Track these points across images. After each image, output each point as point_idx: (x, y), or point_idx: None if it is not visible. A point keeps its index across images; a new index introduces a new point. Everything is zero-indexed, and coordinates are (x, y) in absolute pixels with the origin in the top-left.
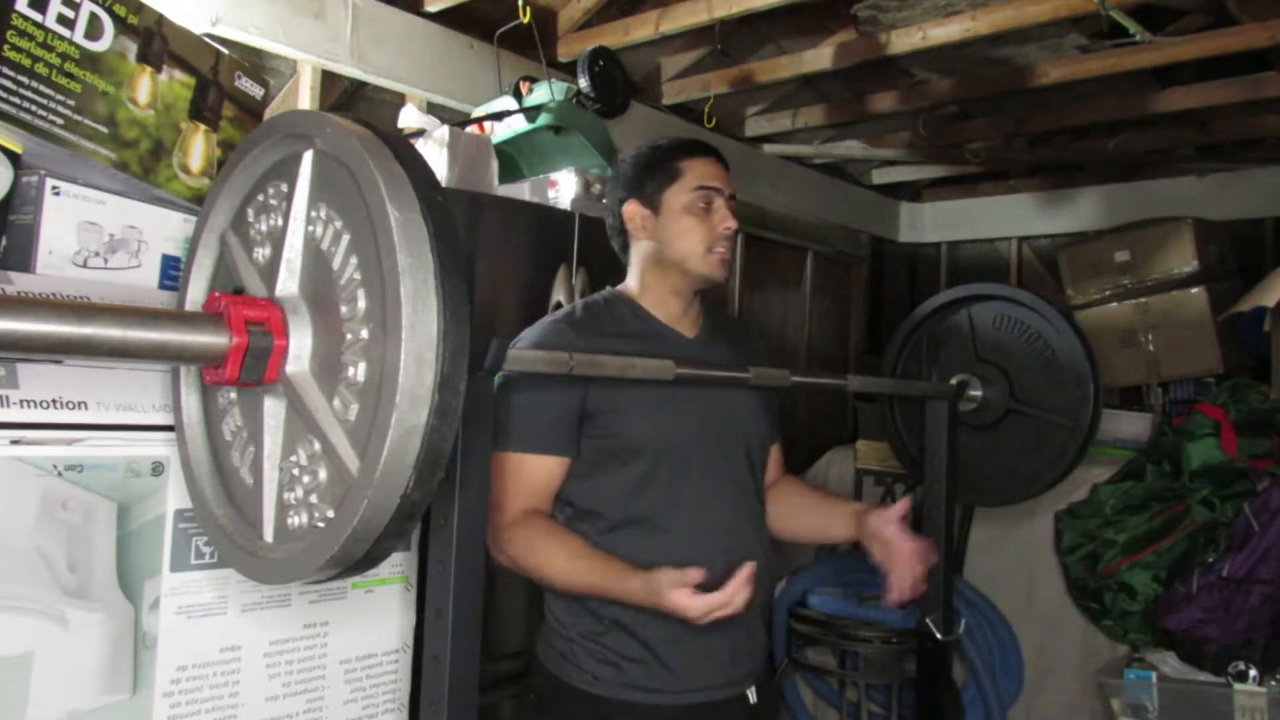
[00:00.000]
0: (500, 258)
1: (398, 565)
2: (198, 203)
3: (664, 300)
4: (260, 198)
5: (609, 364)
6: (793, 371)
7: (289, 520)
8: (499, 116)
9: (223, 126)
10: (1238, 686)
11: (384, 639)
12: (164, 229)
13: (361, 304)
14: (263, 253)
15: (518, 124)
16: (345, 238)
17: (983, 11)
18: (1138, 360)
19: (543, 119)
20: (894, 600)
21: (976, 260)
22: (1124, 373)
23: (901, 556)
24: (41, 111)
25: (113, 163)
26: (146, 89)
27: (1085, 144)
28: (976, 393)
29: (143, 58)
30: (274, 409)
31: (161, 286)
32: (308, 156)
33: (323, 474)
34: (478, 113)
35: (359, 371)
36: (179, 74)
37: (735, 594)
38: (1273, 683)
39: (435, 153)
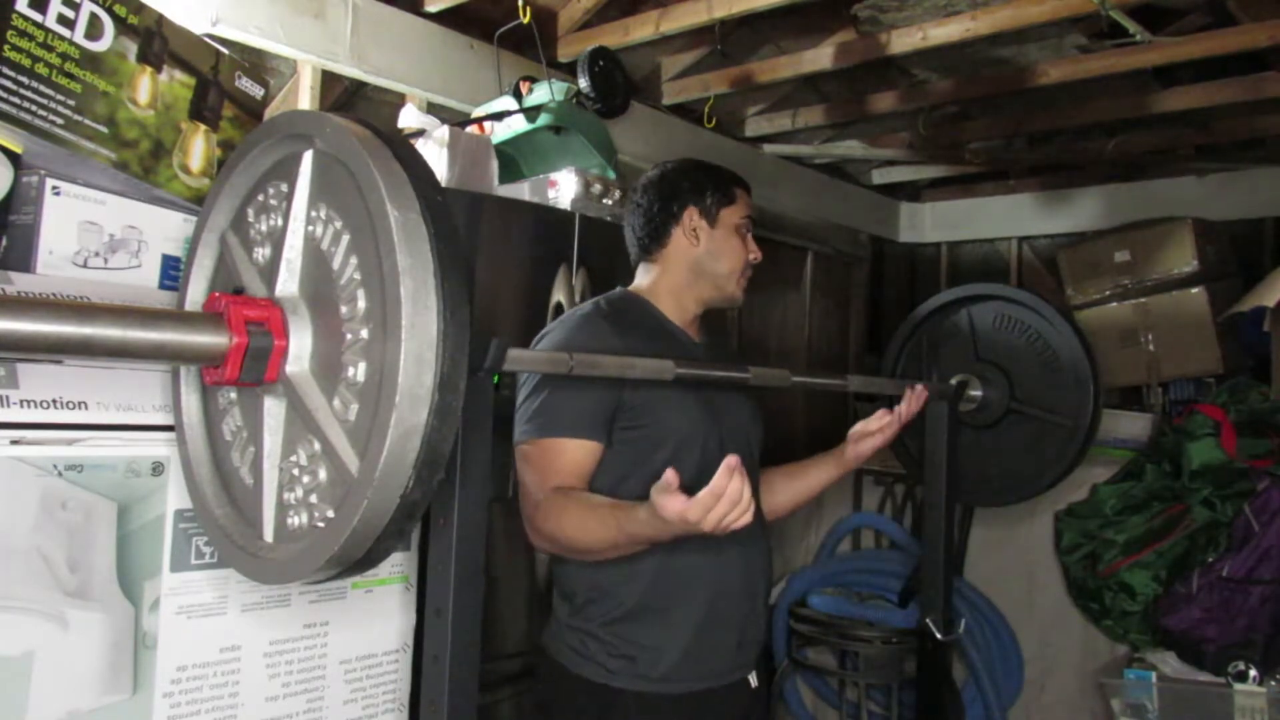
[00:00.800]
0: (500, 258)
1: (398, 565)
2: (198, 203)
3: (684, 305)
4: (260, 198)
5: (608, 364)
6: (793, 371)
7: (289, 520)
8: (499, 116)
9: (223, 126)
10: (1238, 686)
11: (384, 639)
12: (164, 229)
13: (361, 304)
14: (263, 253)
15: (518, 124)
16: (345, 238)
17: (983, 11)
18: (1138, 360)
19: (543, 119)
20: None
21: (976, 260)
22: (1124, 373)
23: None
24: (42, 111)
25: (113, 163)
26: (146, 89)
27: (1085, 144)
28: (976, 393)
29: (143, 58)
30: (274, 409)
31: (161, 286)
32: (308, 156)
33: (323, 474)
34: (478, 113)
35: (359, 371)
36: (179, 74)
37: (731, 482)
38: (1273, 683)
39: (435, 153)
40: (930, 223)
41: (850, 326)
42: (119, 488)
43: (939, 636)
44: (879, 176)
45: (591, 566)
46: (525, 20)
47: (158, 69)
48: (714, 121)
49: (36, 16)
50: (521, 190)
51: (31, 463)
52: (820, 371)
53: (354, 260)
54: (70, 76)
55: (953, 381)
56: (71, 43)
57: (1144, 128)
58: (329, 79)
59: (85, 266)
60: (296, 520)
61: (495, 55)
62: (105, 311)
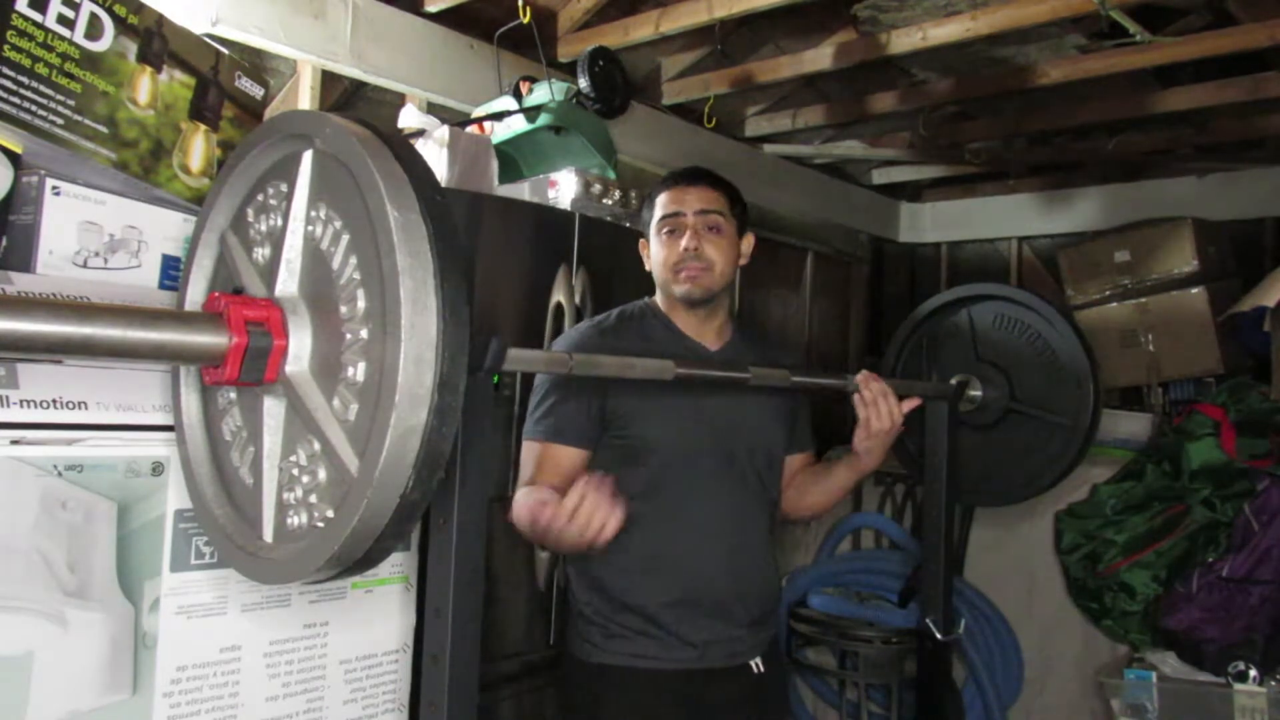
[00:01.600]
0: (500, 258)
1: (398, 565)
2: (198, 203)
3: (681, 316)
4: (260, 198)
5: (608, 364)
6: (793, 372)
7: (289, 520)
8: (499, 116)
9: (223, 126)
10: (1238, 686)
11: (384, 639)
12: (164, 229)
13: (361, 304)
14: (262, 253)
15: (518, 124)
16: (345, 238)
17: (983, 11)
18: (1138, 360)
19: (543, 119)
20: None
21: (976, 260)
22: (1124, 373)
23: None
24: (41, 111)
25: (113, 163)
26: (146, 89)
27: (1085, 144)
28: (976, 393)
29: (143, 58)
30: (274, 409)
31: (161, 286)
32: (307, 157)
33: (322, 474)
34: (478, 113)
35: (358, 371)
36: (179, 74)
37: (579, 504)
38: (1273, 683)
39: (435, 153)
40: (930, 223)
41: (850, 326)
42: (119, 488)
43: (939, 636)
44: (879, 176)
45: (585, 561)
46: (525, 20)
47: (158, 69)
48: (714, 121)
49: (36, 16)
50: (521, 190)
51: (31, 463)
52: (820, 371)
53: (354, 260)
54: (70, 76)
55: (953, 381)
56: (71, 43)
57: (1144, 128)
58: (329, 79)
59: (85, 266)
60: (296, 520)
61: (495, 55)
62: (105, 311)
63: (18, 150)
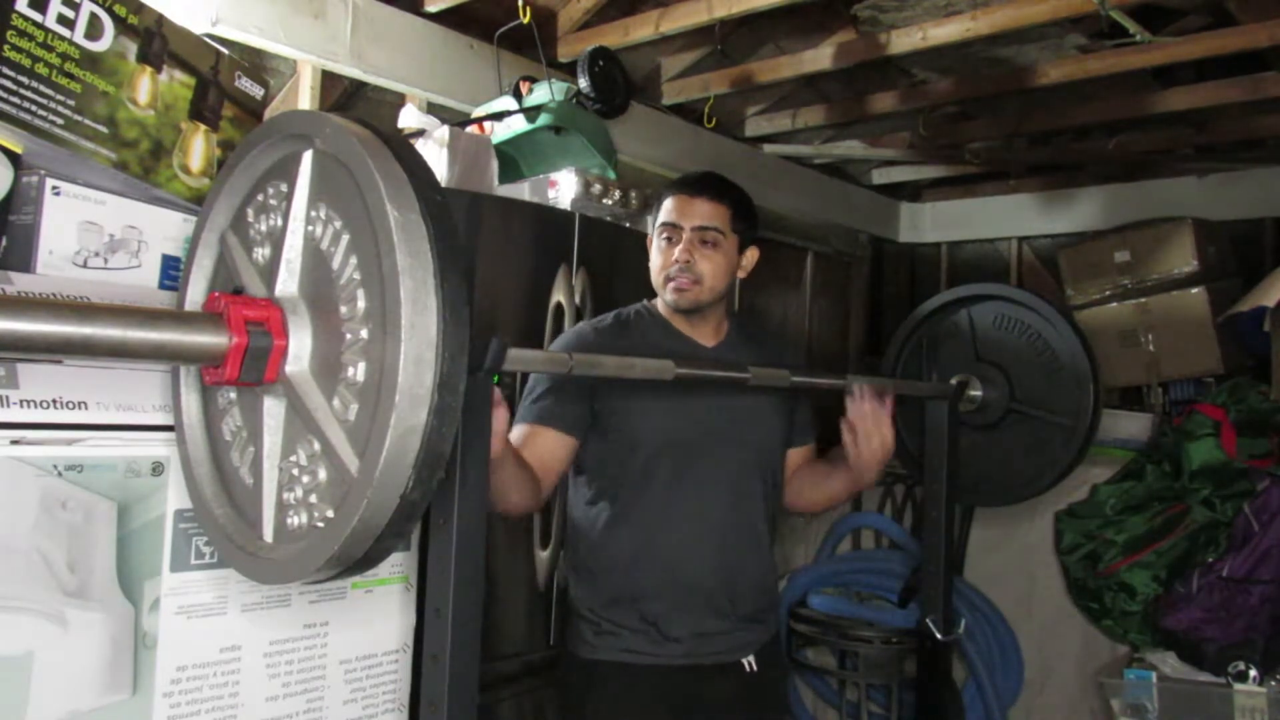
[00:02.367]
0: (500, 258)
1: (398, 565)
2: (198, 203)
3: (672, 314)
4: (260, 198)
5: (608, 364)
6: (793, 372)
7: (289, 520)
8: (499, 116)
9: (223, 126)
10: (1238, 686)
11: (384, 639)
12: (164, 229)
13: (361, 304)
14: (262, 253)
15: (518, 124)
16: (345, 238)
17: (983, 11)
18: (1138, 360)
19: (543, 119)
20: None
21: (976, 260)
22: (1124, 373)
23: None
24: (41, 111)
25: (113, 163)
26: (146, 89)
27: (1085, 144)
28: (976, 393)
29: (143, 58)
30: (274, 409)
31: (161, 286)
32: (307, 156)
33: (322, 474)
34: (478, 113)
35: (358, 371)
36: (179, 74)
37: None
38: (1273, 683)
39: (435, 153)
40: (930, 223)
41: (850, 326)
42: (119, 488)
43: (939, 636)
44: (879, 176)
45: (581, 554)
46: (525, 20)
47: (158, 69)
48: (714, 121)
49: (36, 16)
50: (521, 190)
51: (31, 463)
52: (820, 371)
53: (353, 260)
54: (70, 76)
55: (953, 381)
56: (71, 43)
57: (1144, 128)
58: (329, 79)
59: (85, 266)
60: (296, 520)
61: (495, 55)
62: (105, 311)
63: (18, 150)
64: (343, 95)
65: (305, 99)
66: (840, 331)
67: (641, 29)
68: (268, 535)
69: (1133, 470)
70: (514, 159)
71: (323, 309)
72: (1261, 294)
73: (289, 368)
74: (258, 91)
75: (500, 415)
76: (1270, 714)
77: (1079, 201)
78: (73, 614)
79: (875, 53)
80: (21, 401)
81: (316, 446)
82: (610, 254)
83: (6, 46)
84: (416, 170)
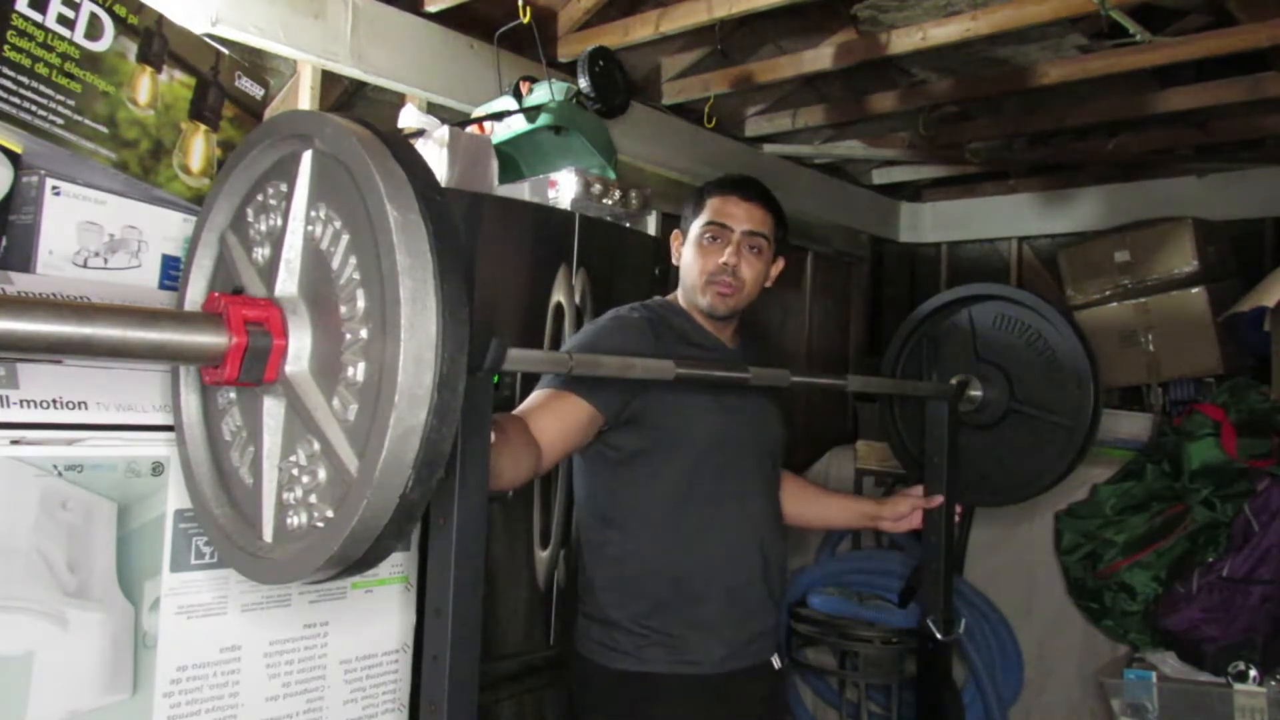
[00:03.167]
0: (500, 258)
1: (398, 565)
2: (198, 203)
3: (699, 317)
4: (260, 198)
5: (608, 364)
6: (793, 371)
7: (288, 520)
8: (499, 116)
9: (223, 126)
10: (1238, 686)
11: (384, 639)
12: (164, 229)
13: (361, 304)
14: (262, 253)
15: (518, 124)
16: (344, 238)
17: (983, 11)
18: (1138, 360)
19: (543, 119)
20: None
21: (976, 260)
22: (1124, 373)
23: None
24: (41, 111)
25: (113, 163)
26: (146, 89)
27: (1085, 144)
28: (976, 393)
29: (143, 58)
30: (273, 409)
31: (161, 286)
32: (307, 156)
33: (322, 474)
34: (478, 113)
35: (358, 371)
36: (179, 74)
37: None
38: (1273, 683)
39: (435, 153)
40: (930, 223)
41: (850, 326)
42: (119, 488)
43: (939, 636)
44: (879, 176)
45: (612, 562)
46: (525, 20)
47: (158, 69)
48: (714, 121)
49: (36, 16)
50: (521, 190)
51: (31, 463)
52: (820, 371)
53: (353, 260)
54: (70, 76)
55: (953, 381)
56: (71, 43)
57: (1144, 128)
58: (329, 79)
59: (85, 266)
60: (296, 520)
61: (495, 55)
62: (105, 311)
63: (18, 150)
64: (343, 95)
65: (305, 99)
66: (840, 331)
67: (641, 29)
68: (267, 535)
69: (1133, 470)
70: (514, 159)
71: (322, 309)
72: (1261, 294)
73: (288, 368)
74: (258, 91)
75: None
76: (1270, 714)
77: (1079, 201)
78: (73, 614)
79: (875, 53)
80: (21, 401)
81: (316, 446)
82: (610, 254)
83: (6, 46)
84: (416, 170)
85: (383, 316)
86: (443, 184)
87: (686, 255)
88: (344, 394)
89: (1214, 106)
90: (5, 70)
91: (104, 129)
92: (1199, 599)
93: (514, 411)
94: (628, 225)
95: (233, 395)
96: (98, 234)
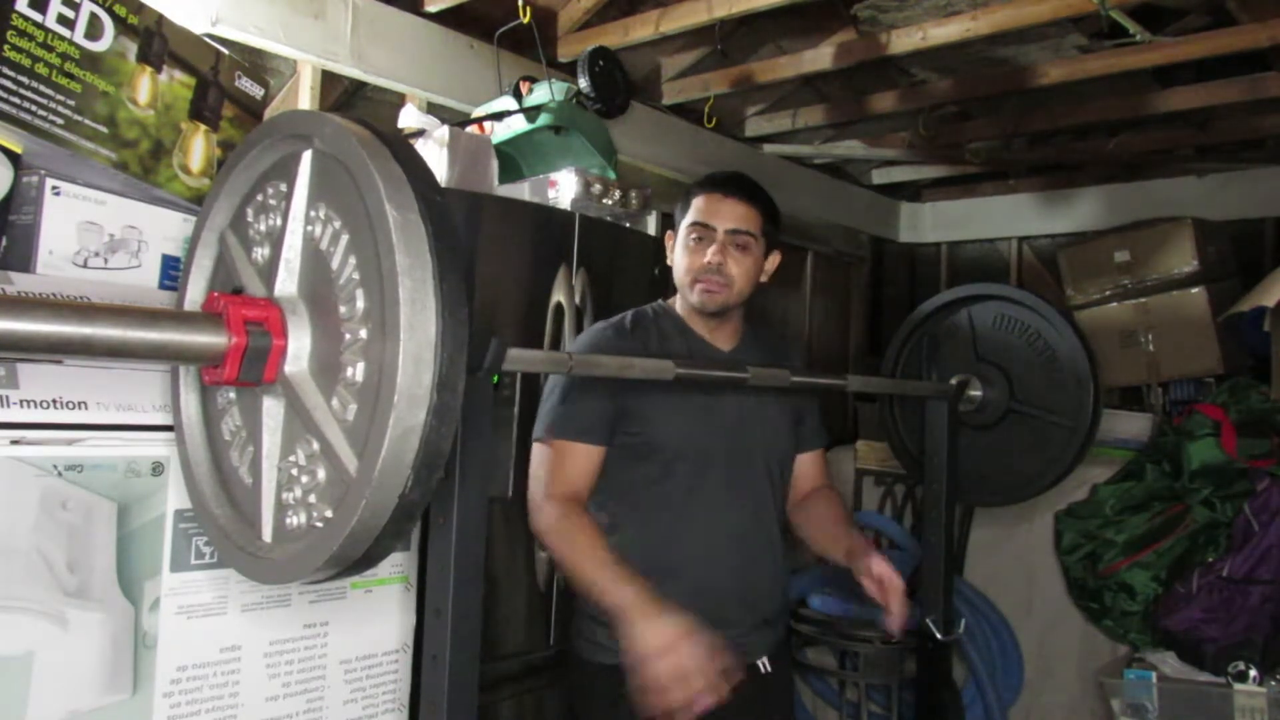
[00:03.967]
0: (500, 258)
1: (397, 565)
2: (197, 203)
3: (692, 317)
4: (259, 198)
5: (607, 364)
6: (792, 372)
7: (288, 520)
8: (499, 116)
9: (223, 126)
10: (1238, 686)
11: (384, 639)
12: (164, 229)
13: (360, 304)
14: (262, 252)
15: (518, 124)
16: (344, 238)
17: (983, 11)
18: (1138, 360)
19: (543, 119)
20: (897, 627)
21: (976, 260)
22: (1124, 373)
23: (896, 593)
24: (41, 111)
25: (113, 163)
26: (146, 89)
27: (1085, 144)
28: (976, 393)
29: (143, 58)
30: (273, 409)
31: (161, 286)
32: (307, 156)
33: (321, 474)
34: (478, 113)
35: (357, 371)
36: (179, 74)
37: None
38: (1273, 683)
39: (435, 153)
40: (930, 223)
41: (850, 326)
42: (119, 488)
43: (939, 636)
44: (879, 176)
45: None
46: (525, 20)
47: (158, 69)
48: (714, 121)
49: (36, 16)
50: (521, 190)
51: (31, 463)
52: (820, 371)
53: (353, 260)
54: (70, 76)
55: (953, 381)
56: (71, 43)
57: (1144, 128)
58: (329, 79)
59: (85, 266)
60: (295, 520)
61: (495, 55)
62: (105, 311)
63: (18, 150)
64: (343, 95)
65: (305, 99)
66: (840, 331)
67: (641, 29)
68: (267, 535)
69: (1133, 470)
70: (514, 159)
71: (322, 309)
72: (1261, 294)
73: (288, 368)
74: (258, 91)
75: None
76: (1270, 714)
77: (1079, 201)
78: (73, 614)
79: (875, 53)
80: (21, 401)
81: (315, 446)
82: (610, 254)
83: (6, 46)
84: (416, 170)
85: (382, 317)
86: (443, 184)
87: (675, 256)
88: (343, 394)
89: (1214, 106)
90: (5, 70)
91: (104, 129)
92: (1199, 599)
93: (545, 489)
94: (628, 225)
95: (232, 395)
96: (98, 234)
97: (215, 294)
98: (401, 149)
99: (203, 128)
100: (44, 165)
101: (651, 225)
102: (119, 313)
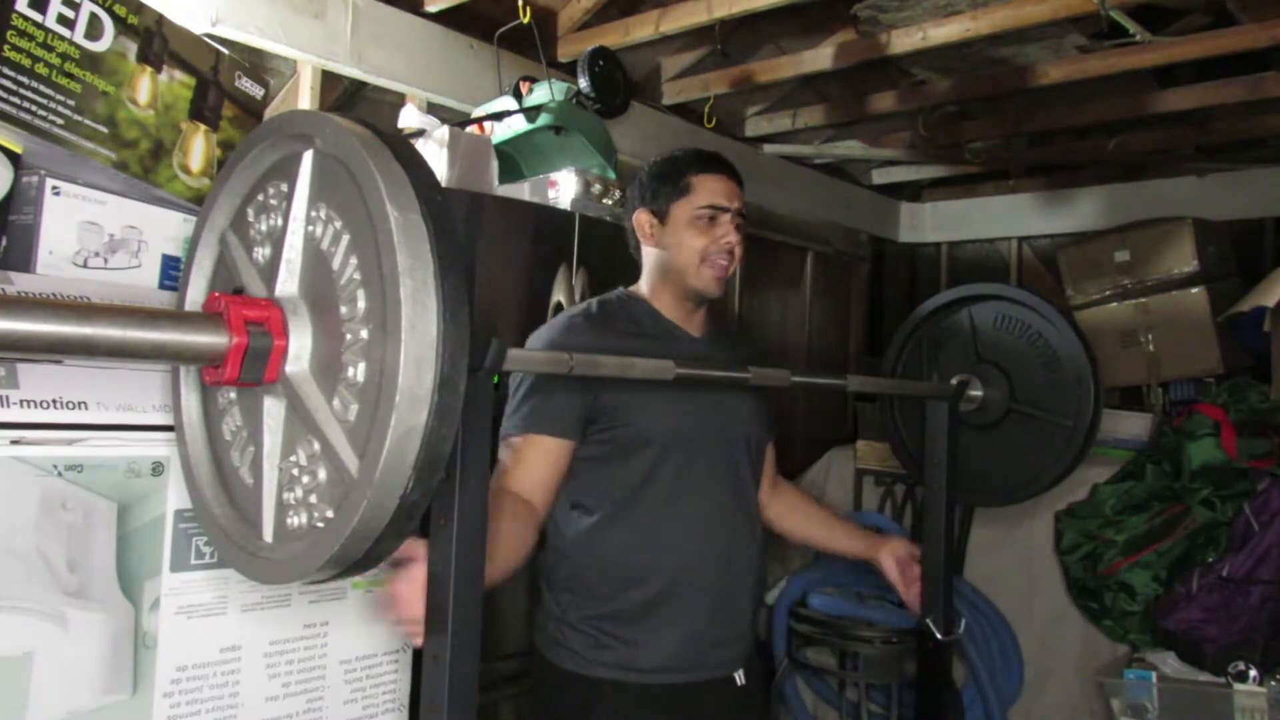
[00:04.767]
0: (500, 258)
1: None
2: (198, 203)
3: (671, 304)
4: (260, 198)
5: (608, 364)
6: (793, 371)
7: (288, 520)
8: (499, 116)
9: (223, 126)
10: (1238, 686)
11: (384, 639)
12: (164, 229)
13: (361, 304)
14: (263, 253)
15: (518, 124)
16: (345, 238)
17: (983, 11)
18: (1138, 360)
19: (543, 119)
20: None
21: (976, 260)
22: (1124, 373)
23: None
24: (41, 111)
25: (113, 163)
26: (146, 89)
27: (1085, 144)
28: (976, 393)
29: (143, 58)
30: (274, 409)
31: (161, 286)
32: (308, 156)
33: (322, 474)
34: (478, 113)
35: (359, 372)
36: (179, 74)
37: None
38: (1273, 683)
39: (435, 153)
40: (930, 223)
41: (850, 326)
42: (119, 488)
43: (939, 636)
44: (879, 176)
45: (571, 560)
46: (525, 20)
47: (158, 69)
48: (714, 121)
49: (36, 16)
50: (521, 190)
51: (31, 463)
52: (820, 371)
53: (354, 260)
54: (70, 76)
55: (953, 381)
56: (71, 43)
57: (1144, 128)
58: (329, 79)
59: (85, 266)
60: (296, 520)
61: (495, 55)
62: (105, 311)
63: (18, 150)
64: (343, 95)
65: (305, 99)
66: (840, 331)
67: (641, 29)
68: (267, 535)
69: (1133, 470)
70: (514, 159)
71: (323, 309)
72: (1261, 294)
73: (289, 368)
74: (258, 91)
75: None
76: (1270, 714)
77: (1079, 201)
78: (73, 614)
79: (875, 53)
80: (21, 401)
81: (316, 447)
82: (610, 254)
83: (6, 46)
84: (417, 170)
85: (383, 317)
86: (443, 184)
87: (677, 239)
88: (344, 394)
89: (1214, 106)
90: (5, 70)
91: (104, 129)
92: (1199, 599)
93: (497, 480)
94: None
95: (233, 395)
96: (98, 234)
97: (216, 294)
98: (403, 149)
99: (203, 128)
100: (44, 165)
101: (669, 202)
102: (119, 313)
